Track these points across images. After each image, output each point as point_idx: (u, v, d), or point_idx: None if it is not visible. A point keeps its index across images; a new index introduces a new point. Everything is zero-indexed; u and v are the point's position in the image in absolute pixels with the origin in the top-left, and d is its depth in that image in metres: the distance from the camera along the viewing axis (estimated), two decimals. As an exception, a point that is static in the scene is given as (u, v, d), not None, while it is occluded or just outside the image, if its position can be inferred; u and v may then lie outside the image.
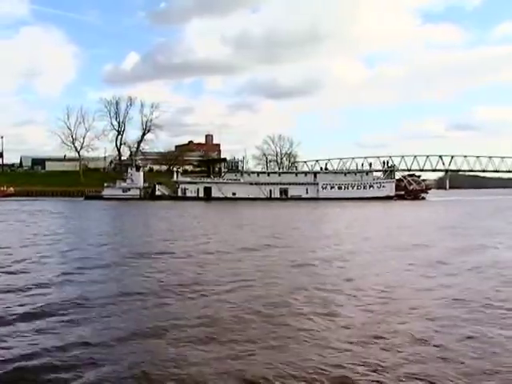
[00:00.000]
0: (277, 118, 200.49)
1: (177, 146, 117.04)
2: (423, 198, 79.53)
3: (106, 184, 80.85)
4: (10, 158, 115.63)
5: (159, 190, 79.62)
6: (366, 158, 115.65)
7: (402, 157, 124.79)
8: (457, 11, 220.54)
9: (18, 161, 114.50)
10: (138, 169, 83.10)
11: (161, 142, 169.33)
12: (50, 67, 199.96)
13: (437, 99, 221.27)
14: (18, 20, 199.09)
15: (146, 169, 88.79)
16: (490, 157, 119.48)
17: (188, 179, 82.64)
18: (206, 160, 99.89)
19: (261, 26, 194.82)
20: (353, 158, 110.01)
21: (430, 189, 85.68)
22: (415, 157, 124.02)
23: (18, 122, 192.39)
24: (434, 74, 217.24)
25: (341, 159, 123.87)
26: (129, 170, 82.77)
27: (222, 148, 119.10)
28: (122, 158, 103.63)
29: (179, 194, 78.25)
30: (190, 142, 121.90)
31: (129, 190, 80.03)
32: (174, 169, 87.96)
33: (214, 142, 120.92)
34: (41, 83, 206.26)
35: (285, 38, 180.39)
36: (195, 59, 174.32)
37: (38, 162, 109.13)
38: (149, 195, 78.37)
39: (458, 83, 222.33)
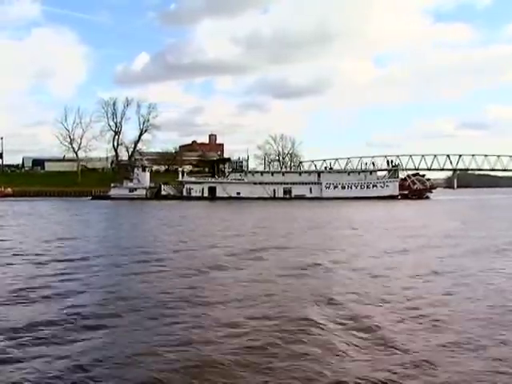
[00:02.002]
0: (286, 117, 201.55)
1: (181, 146, 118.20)
2: (427, 198, 79.53)
3: (112, 184, 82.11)
4: (20, 159, 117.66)
5: (164, 190, 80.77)
6: (373, 157, 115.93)
7: (410, 156, 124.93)
8: (467, 10, 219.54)
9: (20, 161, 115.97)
10: (144, 169, 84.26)
11: (169, 143, 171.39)
12: (62, 68, 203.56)
13: (448, 98, 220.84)
14: (29, 21, 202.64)
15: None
16: (499, 155, 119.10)
17: (193, 179, 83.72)
18: (211, 160, 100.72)
19: (270, 26, 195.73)
20: (360, 158, 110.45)
21: (434, 188, 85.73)
22: (423, 156, 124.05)
23: (31, 123, 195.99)
24: (444, 73, 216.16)
25: (348, 158, 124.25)
26: (135, 171, 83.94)
27: (226, 148, 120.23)
28: (123, 158, 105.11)
29: (184, 193, 79.25)
30: (194, 141, 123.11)
31: (135, 189, 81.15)
32: (180, 169, 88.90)
33: (218, 141, 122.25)
34: (53, 84, 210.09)
35: (294, 38, 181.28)
36: (205, 59, 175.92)
37: (38, 162, 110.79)
38: (154, 195, 79.53)
39: (469, 82, 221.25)
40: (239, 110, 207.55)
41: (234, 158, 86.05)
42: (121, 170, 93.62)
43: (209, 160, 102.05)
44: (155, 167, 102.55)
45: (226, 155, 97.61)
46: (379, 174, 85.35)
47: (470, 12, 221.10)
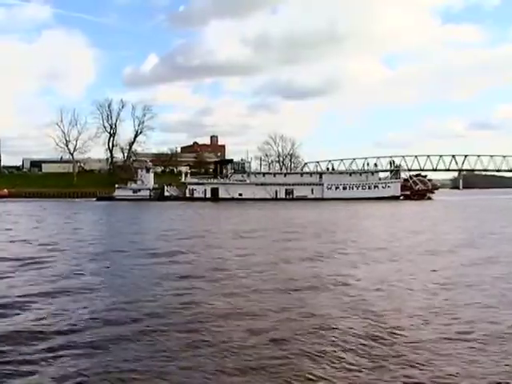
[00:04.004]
0: (296, 118, 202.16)
1: (182, 147, 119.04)
2: (429, 198, 79.53)
3: (117, 185, 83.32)
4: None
5: (167, 191, 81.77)
6: (378, 157, 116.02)
7: (416, 157, 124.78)
8: (476, 11, 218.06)
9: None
10: (148, 170, 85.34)
11: (177, 143, 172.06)
12: (72, 70, 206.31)
13: (457, 99, 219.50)
14: (40, 24, 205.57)
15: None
16: (504, 156, 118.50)
17: (195, 180, 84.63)
18: (209, 161, 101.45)
19: (279, 27, 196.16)
20: (365, 158, 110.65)
21: (436, 188, 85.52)
22: (428, 156, 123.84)
23: (40, 125, 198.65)
24: (454, 73, 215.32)
25: (353, 159, 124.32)
26: (139, 172, 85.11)
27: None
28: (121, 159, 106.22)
29: (187, 194, 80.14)
30: (195, 142, 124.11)
31: (139, 190, 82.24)
32: (177, 170, 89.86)
33: (221, 143, 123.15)
34: (63, 86, 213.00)
35: (303, 39, 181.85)
36: (214, 60, 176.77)
37: (36, 164, 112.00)
38: (158, 196, 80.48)
39: (478, 82, 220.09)
40: (248, 111, 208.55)
41: (239, 159, 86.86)
42: (116, 171, 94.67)
43: (206, 161, 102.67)
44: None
45: (233, 156, 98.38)
46: (382, 174, 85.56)
47: (479, 12, 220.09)
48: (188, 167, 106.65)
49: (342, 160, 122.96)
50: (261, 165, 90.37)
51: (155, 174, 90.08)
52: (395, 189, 79.58)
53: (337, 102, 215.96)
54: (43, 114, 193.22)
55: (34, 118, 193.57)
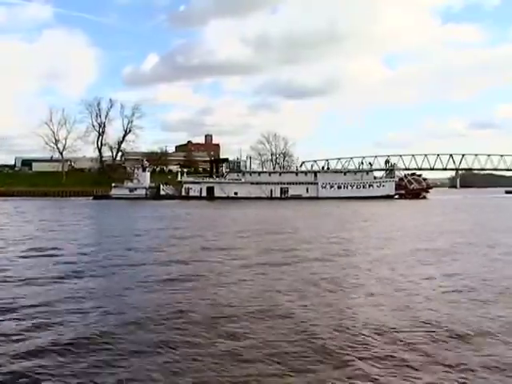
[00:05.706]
0: (297, 117, 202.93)
1: (177, 147, 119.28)
2: (424, 197, 79.81)
3: (113, 184, 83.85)
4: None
5: (163, 189, 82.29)
6: (375, 157, 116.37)
7: (413, 156, 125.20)
8: (476, 11, 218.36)
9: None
10: (144, 169, 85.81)
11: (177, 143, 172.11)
12: (73, 69, 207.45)
13: (458, 98, 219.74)
14: (41, 23, 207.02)
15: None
16: (502, 155, 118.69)
17: (191, 179, 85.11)
18: (210, 160, 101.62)
19: (280, 27, 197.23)
20: (363, 157, 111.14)
21: (431, 188, 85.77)
22: (426, 156, 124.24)
23: (39, 124, 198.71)
24: (454, 73, 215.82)
25: (351, 158, 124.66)
26: (135, 171, 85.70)
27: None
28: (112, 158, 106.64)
29: (183, 193, 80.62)
30: (189, 142, 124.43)
31: (135, 189, 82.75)
32: (174, 169, 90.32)
33: (217, 142, 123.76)
34: (64, 85, 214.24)
35: (303, 39, 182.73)
36: (215, 60, 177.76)
37: (27, 162, 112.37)
38: (154, 195, 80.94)
39: (478, 82, 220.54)
40: (249, 111, 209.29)
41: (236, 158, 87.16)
42: (106, 170, 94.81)
43: (195, 160, 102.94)
44: None
45: (231, 155, 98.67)
46: (378, 173, 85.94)
47: (479, 12, 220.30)
48: (178, 166, 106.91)
49: (339, 159, 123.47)
50: (251, 163, 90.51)
51: None
52: (390, 188, 79.89)
53: (337, 102, 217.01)
54: (43, 113, 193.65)
55: (33, 118, 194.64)
